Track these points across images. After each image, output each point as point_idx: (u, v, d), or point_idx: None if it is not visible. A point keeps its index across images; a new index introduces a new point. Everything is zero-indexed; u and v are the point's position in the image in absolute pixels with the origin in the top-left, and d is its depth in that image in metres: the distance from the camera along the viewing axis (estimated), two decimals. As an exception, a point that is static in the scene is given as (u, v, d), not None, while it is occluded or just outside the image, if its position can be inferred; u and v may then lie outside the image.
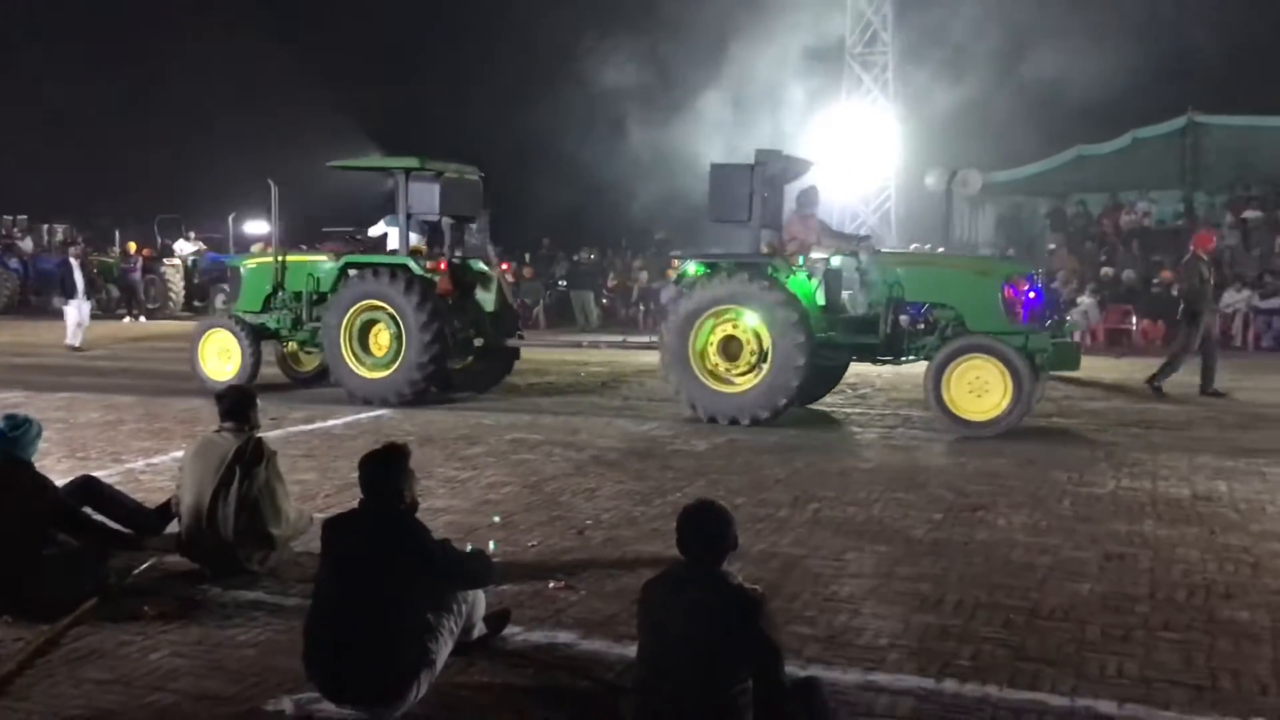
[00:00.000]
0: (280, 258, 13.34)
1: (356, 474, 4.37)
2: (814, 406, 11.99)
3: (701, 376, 10.96)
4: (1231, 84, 24.56)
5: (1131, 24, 23.45)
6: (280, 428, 10.32)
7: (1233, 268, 21.85)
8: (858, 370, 12.99)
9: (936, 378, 10.23)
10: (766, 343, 10.68)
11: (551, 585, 5.61)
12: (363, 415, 11.36)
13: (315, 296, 12.99)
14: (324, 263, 13.12)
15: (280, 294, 13.31)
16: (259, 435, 5.94)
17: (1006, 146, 25.04)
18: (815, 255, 11.19)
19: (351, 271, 12.52)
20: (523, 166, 26.69)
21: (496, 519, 6.90)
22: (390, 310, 12.11)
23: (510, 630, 4.87)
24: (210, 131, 35.51)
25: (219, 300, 26.75)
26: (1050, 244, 24.10)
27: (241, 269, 14.04)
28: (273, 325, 13.22)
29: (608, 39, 22.40)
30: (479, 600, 4.57)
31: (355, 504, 4.38)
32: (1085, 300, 20.69)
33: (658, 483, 8.13)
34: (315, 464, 8.72)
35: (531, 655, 4.66)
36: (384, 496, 4.29)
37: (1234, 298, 20.52)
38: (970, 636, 4.89)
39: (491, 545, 6.11)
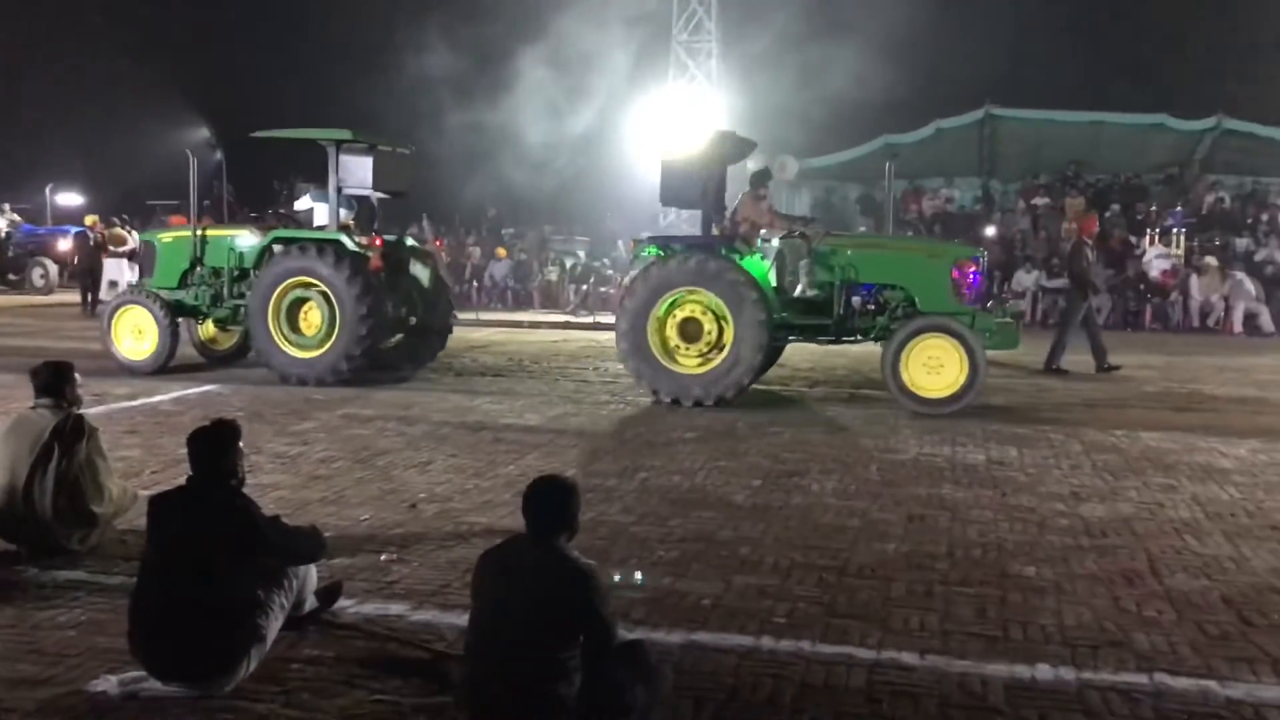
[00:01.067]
0: (201, 232, 12.61)
1: (184, 450, 4.20)
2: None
3: (661, 359, 10.71)
4: (1025, 80, 25.86)
5: (934, 22, 24.44)
6: (104, 404, 9.83)
7: (1023, 250, 23.09)
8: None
9: (895, 357, 10.29)
10: (727, 324, 10.53)
11: (383, 558, 5.53)
12: (190, 391, 10.91)
13: (237, 272, 12.36)
14: (246, 237, 12.46)
15: (199, 269, 12.55)
16: (79, 411, 5.63)
17: (822, 135, 25.74)
18: (767, 236, 11.13)
19: (278, 247, 11.89)
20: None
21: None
22: (322, 287, 11.51)
23: (342, 603, 4.77)
24: (19, 99, 33.35)
25: (36, 275, 25.23)
26: (861, 227, 24.90)
27: (155, 243, 13.12)
28: (191, 302, 12.49)
29: (434, 20, 22.08)
30: (310, 575, 4.47)
31: (183, 480, 4.22)
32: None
33: (490, 456, 8.08)
34: (140, 440, 8.34)
35: (363, 627, 4.58)
36: (212, 473, 4.14)
37: (1025, 279, 21.73)
38: (786, 595, 5.05)
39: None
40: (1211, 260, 21.08)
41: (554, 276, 24.36)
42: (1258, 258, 21.84)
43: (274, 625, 4.13)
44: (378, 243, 12.00)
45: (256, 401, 10.30)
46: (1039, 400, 11.37)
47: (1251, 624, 4.74)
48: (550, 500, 3.69)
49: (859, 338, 10.99)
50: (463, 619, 3.90)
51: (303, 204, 13.70)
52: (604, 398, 11.08)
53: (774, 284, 10.89)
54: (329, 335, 11.52)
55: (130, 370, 12.13)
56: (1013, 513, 6.62)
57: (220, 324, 12.97)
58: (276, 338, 11.68)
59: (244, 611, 4.00)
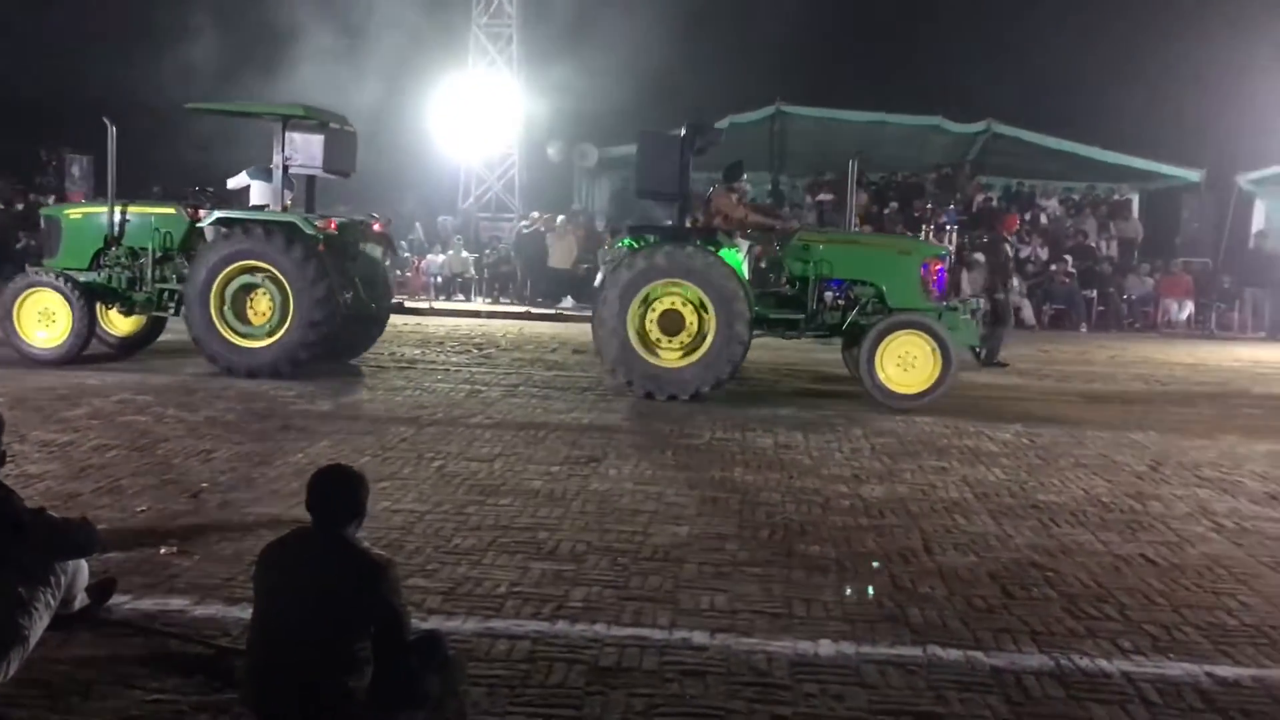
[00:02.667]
0: (122, 209, 11.51)
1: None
2: (443, 366, 11.93)
3: (641, 351, 10.44)
4: (814, 78, 26.76)
5: (731, 15, 25.00)
6: None
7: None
8: (485, 329, 13.04)
9: (871, 353, 10.33)
10: (709, 316, 10.32)
11: (163, 551, 5.25)
12: (-57, 376, 10.07)
13: (160, 254, 11.40)
14: (172, 215, 11.47)
15: (114, 249, 11.52)
16: None
17: (622, 123, 25.95)
18: (740, 231, 10.98)
19: (218, 229, 10.95)
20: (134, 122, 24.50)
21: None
22: (273, 272, 10.71)
23: (117, 599, 4.51)
24: None
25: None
26: (667, 220, 25.25)
27: (61, 219, 11.94)
28: (105, 284, 11.43)
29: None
30: (81, 570, 4.20)
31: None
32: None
33: (278, 444, 7.79)
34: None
35: (141, 624, 4.33)
36: (-34, 464, 3.83)
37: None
38: (582, 579, 5.08)
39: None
40: (980, 256, 22.41)
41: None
42: (1022, 254, 23.36)
43: (38, 625, 3.85)
44: (332, 226, 11.22)
45: (20, 387, 9.59)
46: (825, 388, 11.82)
47: (1014, 597, 5.07)
48: (336, 490, 3.58)
49: (824, 333, 11.08)
50: (249, 613, 3.74)
51: (237, 181, 12.74)
52: (399, 383, 10.87)
53: (747, 277, 10.80)
54: (280, 324, 10.76)
55: (38, 361, 11.09)
56: (798, 494, 6.87)
57: (126, 309, 11.92)
58: (219, 326, 10.80)
59: (3, 611, 3.71)
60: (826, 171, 26.69)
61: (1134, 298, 22.62)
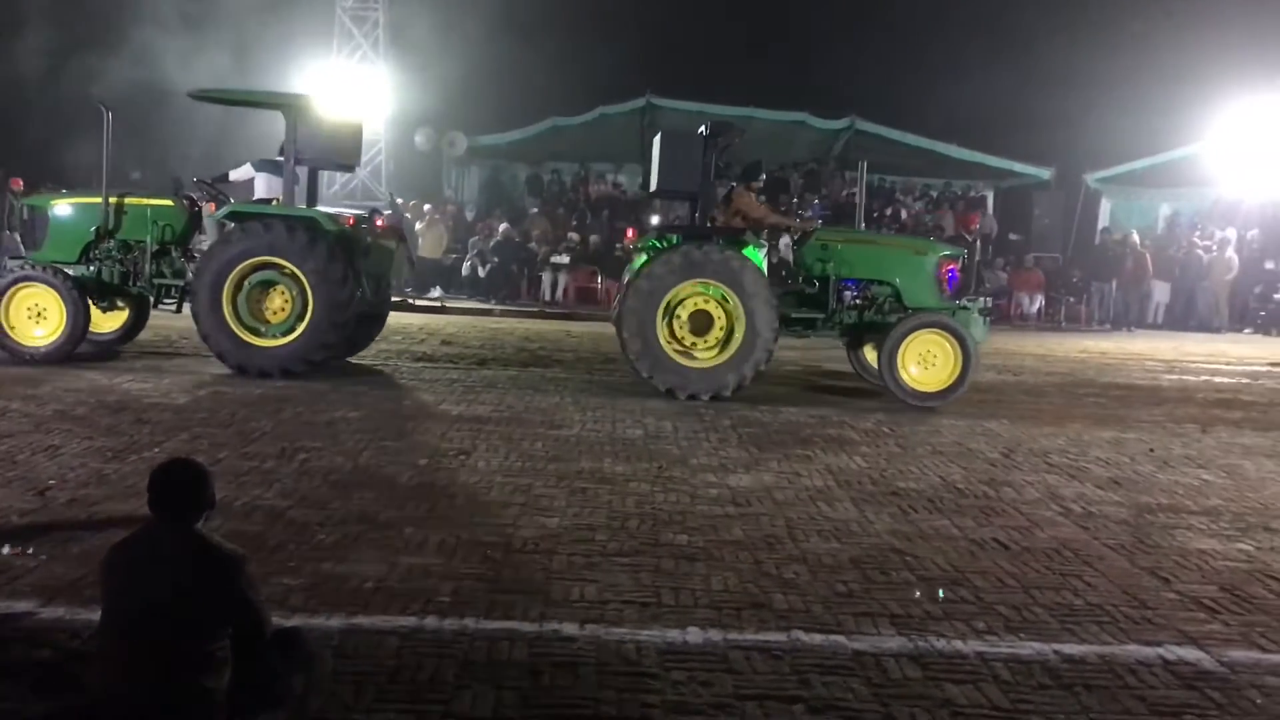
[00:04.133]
0: (119, 199, 11.04)
1: None
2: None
3: (668, 351, 10.35)
4: (683, 73, 26.95)
5: (604, 4, 24.98)
6: None
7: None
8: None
9: (893, 353, 10.42)
10: (738, 316, 10.25)
11: (5, 551, 5.00)
12: None
13: (157, 248, 10.94)
14: (169, 208, 11.09)
15: (108, 242, 11.02)
16: None
17: (492, 113, 25.73)
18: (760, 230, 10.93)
19: (220, 224, 10.46)
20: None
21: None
22: (293, 270, 10.28)
23: (-46, 604, 4.28)
24: None
25: None
26: (533, 208, 25.12)
27: (47, 209, 11.28)
28: (100, 278, 10.96)
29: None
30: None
31: None
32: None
33: (132, 438, 7.49)
34: None
35: (-20, 629, 4.13)
36: None
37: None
38: (451, 574, 5.03)
39: None
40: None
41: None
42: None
43: None
44: (351, 222, 10.81)
45: None
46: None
47: (874, 581, 5.21)
48: (181, 483, 3.45)
49: (844, 333, 11.21)
50: (99, 614, 3.59)
51: (241, 173, 12.18)
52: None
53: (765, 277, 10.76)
54: (297, 322, 10.38)
55: (31, 359, 10.48)
56: (667, 484, 6.93)
57: (106, 306, 11.39)
58: (231, 324, 10.35)
59: None
60: None
61: (988, 289, 23.48)
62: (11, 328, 10.68)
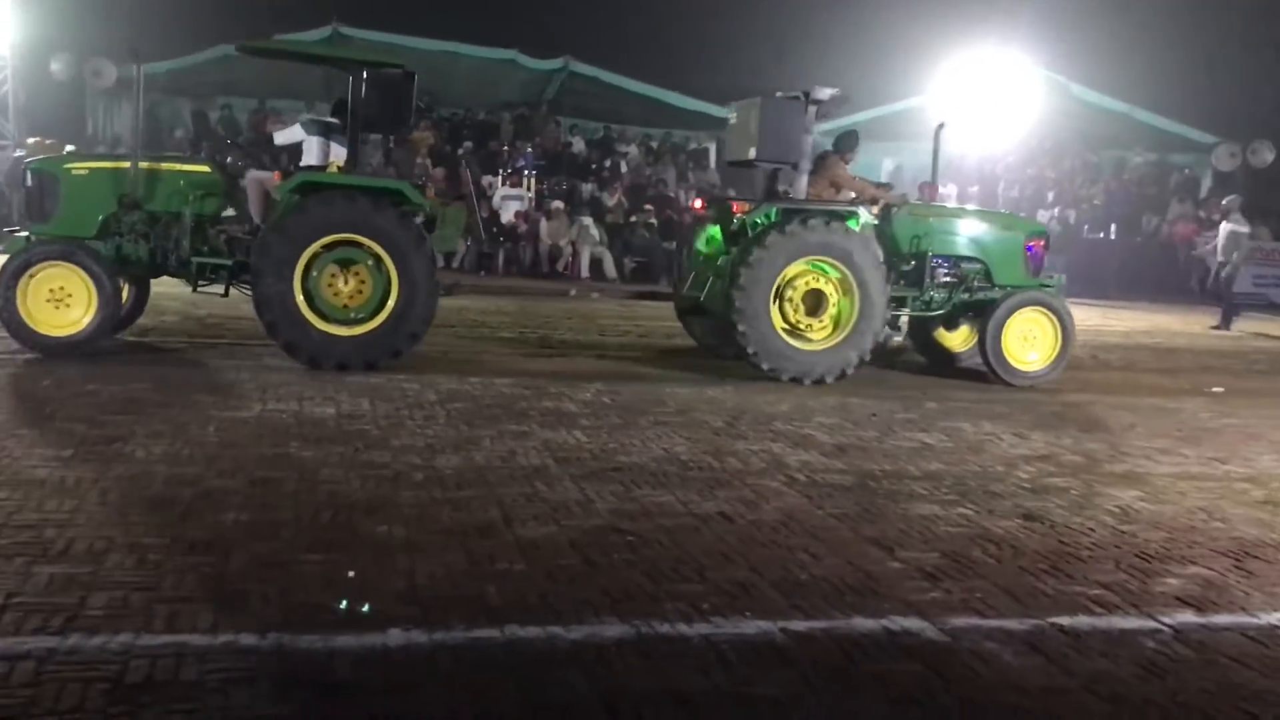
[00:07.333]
0: (149, 164, 10.37)
1: None
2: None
3: (780, 332, 10.69)
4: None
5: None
6: None
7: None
8: None
9: (997, 331, 11.12)
10: (855, 296, 10.67)
11: None
12: None
13: (194, 220, 10.32)
14: (206, 175, 10.62)
15: (133, 213, 10.23)
16: None
17: (151, 37, 24.17)
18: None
19: (296, 195, 10.01)
20: None
21: None
22: (377, 249, 9.94)
23: None
24: None
25: None
26: (201, 153, 23.87)
27: (58, 174, 10.33)
28: (131, 254, 10.30)
29: None
30: None
31: None
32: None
33: None
34: None
35: None
36: None
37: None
38: (102, 583, 4.71)
39: None
40: (559, 204, 23.19)
41: None
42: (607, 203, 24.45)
43: None
44: (430, 195, 10.09)
45: None
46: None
47: (595, 565, 5.31)
48: None
49: (935, 311, 11.60)
50: None
51: (287, 136, 11.37)
52: None
53: None
54: (379, 308, 10.06)
55: (53, 350, 9.61)
56: (365, 469, 6.78)
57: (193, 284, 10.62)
58: (303, 311, 9.92)
59: None
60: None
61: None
62: (29, 312, 9.89)
